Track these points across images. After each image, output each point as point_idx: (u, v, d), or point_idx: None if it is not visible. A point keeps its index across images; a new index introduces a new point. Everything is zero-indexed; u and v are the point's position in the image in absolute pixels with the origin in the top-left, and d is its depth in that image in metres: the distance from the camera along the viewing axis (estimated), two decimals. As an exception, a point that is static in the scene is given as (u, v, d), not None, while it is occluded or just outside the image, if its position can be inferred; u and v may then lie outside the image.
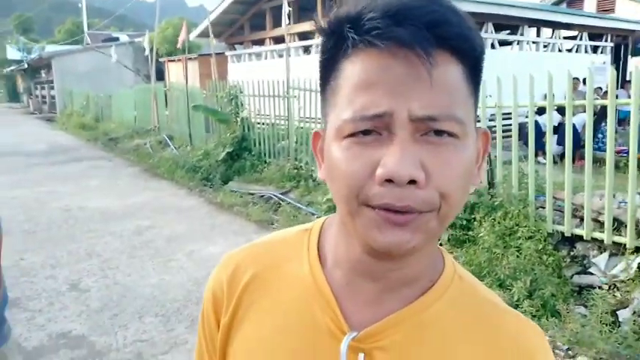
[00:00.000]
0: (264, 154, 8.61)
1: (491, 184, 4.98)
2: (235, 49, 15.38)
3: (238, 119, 8.93)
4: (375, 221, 0.50)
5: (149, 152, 11.28)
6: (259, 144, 8.75)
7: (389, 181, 0.48)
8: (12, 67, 35.33)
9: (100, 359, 3.29)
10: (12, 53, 33.31)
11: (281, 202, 6.81)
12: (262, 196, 7.22)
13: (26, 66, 29.63)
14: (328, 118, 0.55)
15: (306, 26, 11.39)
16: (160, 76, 19.01)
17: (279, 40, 12.46)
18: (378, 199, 0.49)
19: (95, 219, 6.63)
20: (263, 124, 8.78)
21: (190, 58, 15.31)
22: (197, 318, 0.73)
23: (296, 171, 7.62)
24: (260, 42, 14.51)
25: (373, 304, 0.58)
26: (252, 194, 7.34)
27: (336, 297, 0.59)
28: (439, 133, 0.50)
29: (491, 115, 4.98)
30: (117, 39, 28.28)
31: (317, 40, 10.15)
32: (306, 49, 12.42)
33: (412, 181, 0.48)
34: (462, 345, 0.58)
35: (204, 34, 13.81)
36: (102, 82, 21.15)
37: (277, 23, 11.65)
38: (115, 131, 15.02)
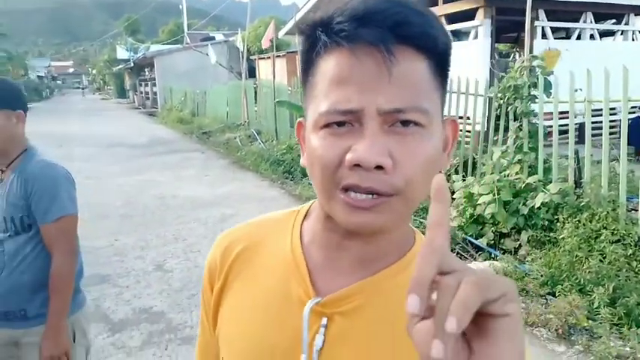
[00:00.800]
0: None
1: (578, 183, 4.68)
2: (322, 46, 15.55)
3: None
4: (345, 204, 0.55)
5: (238, 146, 11.78)
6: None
7: (358, 166, 0.53)
8: (120, 66, 38.37)
9: (175, 334, 3.55)
10: (121, 53, 36.10)
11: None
12: (339, 190, 7.30)
13: (132, 65, 31.91)
14: (308, 110, 0.60)
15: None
16: (252, 73, 19.69)
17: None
18: (345, 180, 0.54)
19: (185, 206, 7.08)
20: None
21: (279, 56, 15.73)
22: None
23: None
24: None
25: (344, 276, 0.63)
26: (329, 188, 7.45)
27: (311, 270, 0.65)
28: (405, 123, 0.54)
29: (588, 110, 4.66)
30: (213, 38, 29.56)
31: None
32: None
33: (379, 167, 0.52)
34: None
35: (291, 32, 14.13)
36: (198, 79, 22.18)
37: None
38: (208, 125, 15.82)
